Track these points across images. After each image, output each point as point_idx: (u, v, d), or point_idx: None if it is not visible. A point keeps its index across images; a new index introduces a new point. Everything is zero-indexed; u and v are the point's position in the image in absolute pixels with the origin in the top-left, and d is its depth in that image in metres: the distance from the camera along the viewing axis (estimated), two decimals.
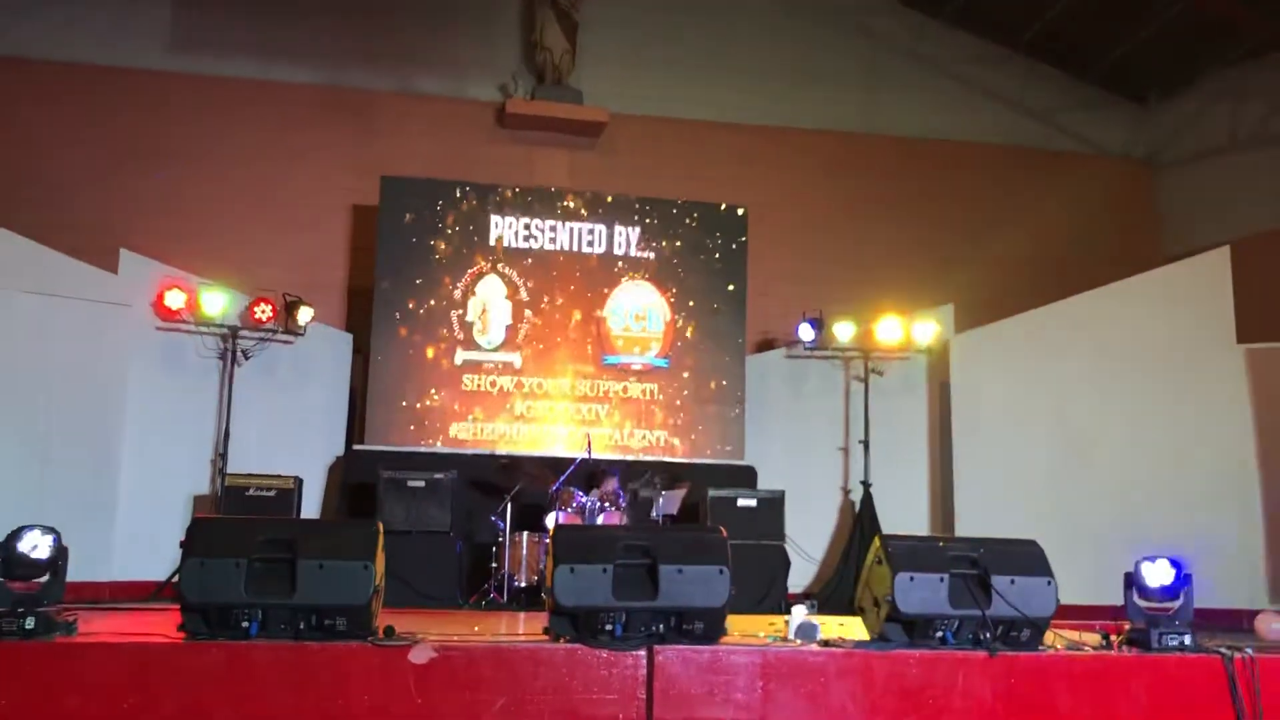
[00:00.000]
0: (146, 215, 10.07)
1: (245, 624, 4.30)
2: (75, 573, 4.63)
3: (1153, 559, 5.07)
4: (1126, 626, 5.06)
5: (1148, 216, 12.03)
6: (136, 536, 8.54)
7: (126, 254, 9.00)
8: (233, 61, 10.69)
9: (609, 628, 4.48)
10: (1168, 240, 11.73)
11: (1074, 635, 5.19)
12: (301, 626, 4.37)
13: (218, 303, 9.05)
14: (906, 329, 9.90)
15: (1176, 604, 5.01)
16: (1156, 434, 9.12)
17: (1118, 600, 5.19)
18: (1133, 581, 5.08)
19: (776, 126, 11.58)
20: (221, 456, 8.99)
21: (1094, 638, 5.16)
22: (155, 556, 8.12)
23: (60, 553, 4.42)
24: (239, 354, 9.23)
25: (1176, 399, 9.13)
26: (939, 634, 4.74)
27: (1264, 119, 10.90)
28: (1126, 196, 11.97)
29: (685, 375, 10.02)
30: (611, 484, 8.52)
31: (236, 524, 4.86)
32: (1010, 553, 4.96)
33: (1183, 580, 5.03)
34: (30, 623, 4.20)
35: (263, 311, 9.14)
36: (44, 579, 4.40)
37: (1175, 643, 4.82)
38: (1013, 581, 4.79)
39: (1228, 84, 11.27)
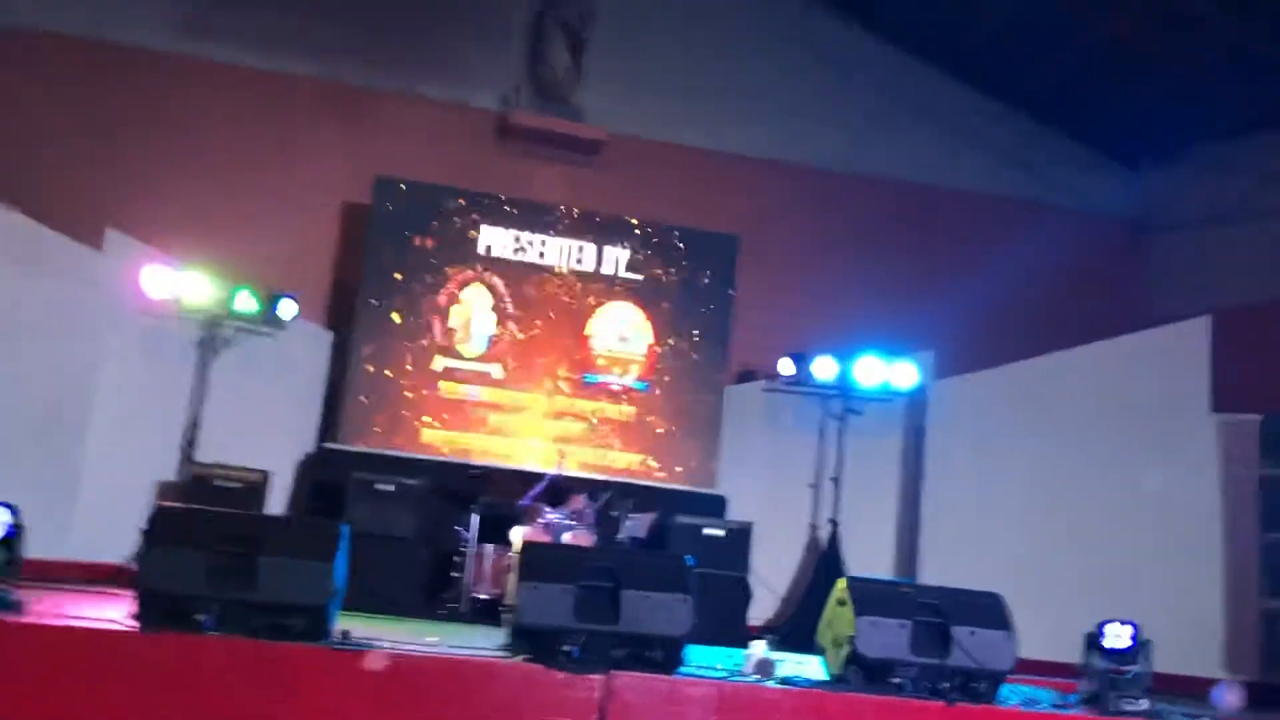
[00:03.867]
0: (136, 196, 9.96)
1: (201, 617, 4.26)
2: (33, 549, 4.58)
3: (1114, 621, 5.08)
4: (1083, 686, 5.07)
5: (1133, 279, 12.09)
6: (98, 517, 8.43)
7: (113, 233, 8.94)
8: (236, 49, 10.63)
9: (568, 649, 4.47)
10: (1151, 304, 11.78)
11: (1030, 691, 5.20)
12: (258, 624, 4.34)
13: (200, 290, 8.99)
14: (886, 371, 9.91)
15: (1135, 667, 5.03)
16: (1125, 496, 9.14)
17: (1076, 658, 5.20)
18: (1093, 642, 5.09)
19: (772, 160, 11.60)
20: (191, 444, 8.91)
21: (1050, 695, 5.17)
22: (115, 538, 8.04)
23: (18, 530, 4.37)
24: (218, 342, 9.17)
25: (1148, 463, 9.16)
26: (897, 680, 4.74)
27: (1252, 194, 11.00)
28: (1113, 257, 12.03)
29: (664, 400, 10.02)
30: (581, 503, 8.50)
31: (201, 515, 4.80)
32: (973, 604, 4.98)
33: (1143, 645, 5.04)
34: None
35: (245, 302, 9.09)
36: None
37: (1131, 707, 4.83)
38: (973, 633, 4.81)
39: (1219, 156, 11.36)
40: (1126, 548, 8.96)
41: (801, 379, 9.99)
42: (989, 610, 4.99)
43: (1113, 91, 11.40)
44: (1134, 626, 5.06)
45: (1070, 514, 9.24)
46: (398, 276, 9.74)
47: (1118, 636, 5.04)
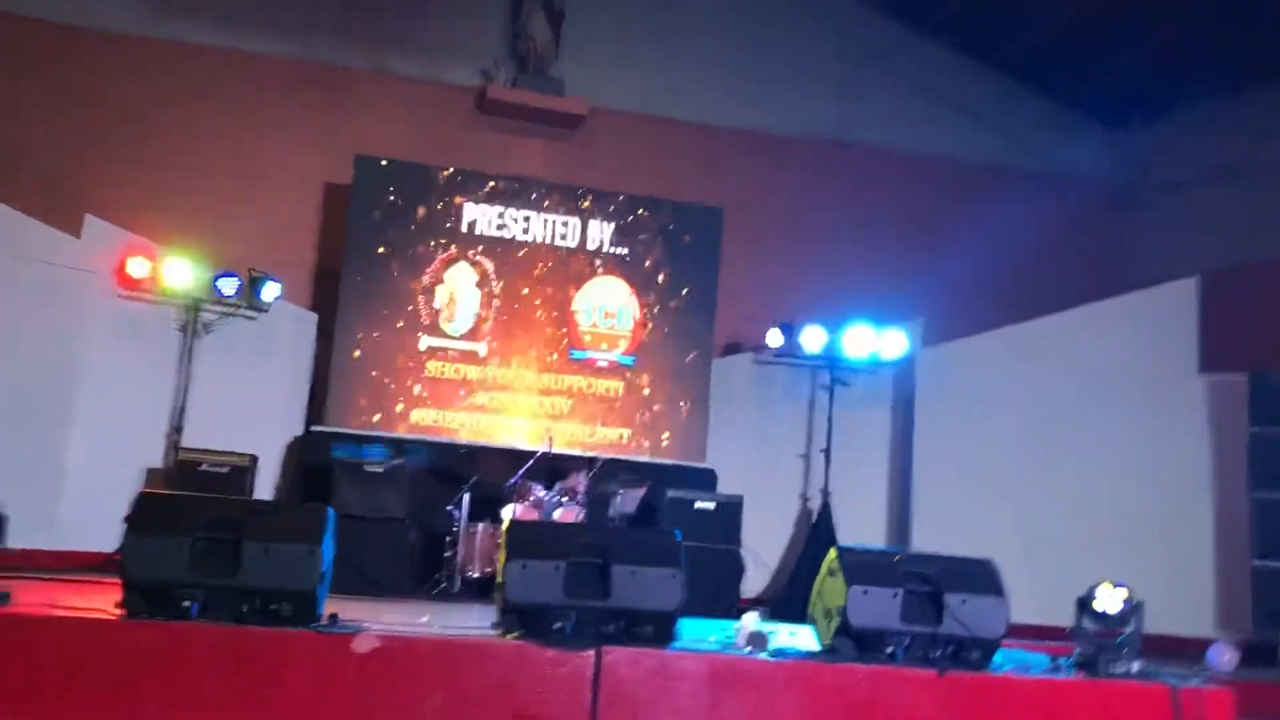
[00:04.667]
0: (114, 181, 9.88)
1: (186, 604, 4.22)
2: (20, 539, 4.55)
3: (1105, 583, 5.07)
4: (1075, 650, 5.06)
5: (1120, 242, 12.08)
6: (86, 506, 8.37)
7: (91, 219, 8.84)
8: (210, 30, 10.50)
9: (559, 626, 4.45)
10: (1138, 267, 11.76)
11: (1023, 656, 5.19)
12: (244, 610, 4.31)
13: (182, 274, 8.90)
14: (875, 340, 9.88)
15: (1126, 630, 5.02)
16: (1115, 458, 9.15)
17: (1069, 621, 5.19)
18: (1084, 605, 5.08)
19: (754, 129, 11.53)
20: (177, 430, 8.86)
21: (1042, 660, 5.17)
22: (104, 527, 7.97)
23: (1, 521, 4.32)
24: (200, 327, 9.10)
25: (1137, 424, 9.17)
26: (889, 649, 4.73)
27: (1242, 152, 10.95)
28: (1099, 221, 12.01)
29: (651, 374, 9.98)
30: (570, 480, 8.48)
31: (183, 501, 4.76)
32: (964, 571, 4.97)
33: (1133, 606, 5.04)
34: None
35: (227, 285, 9.01)
36: None
37: (1123, 669, 4.83)
38: (965, 601, 4.79)
39: (1208, 115, 11.31)
40: (1117, 509, 8.98)
41: (790, 350, 9.95)
42: (981, 577, 4.98)
43: (1099, 51, 11.31)
44: (1125, 589, 5.05)
45: (1060, 477, 9.25)
46: (381, 254, 9.65)
47: (1109, 599, 5.03)
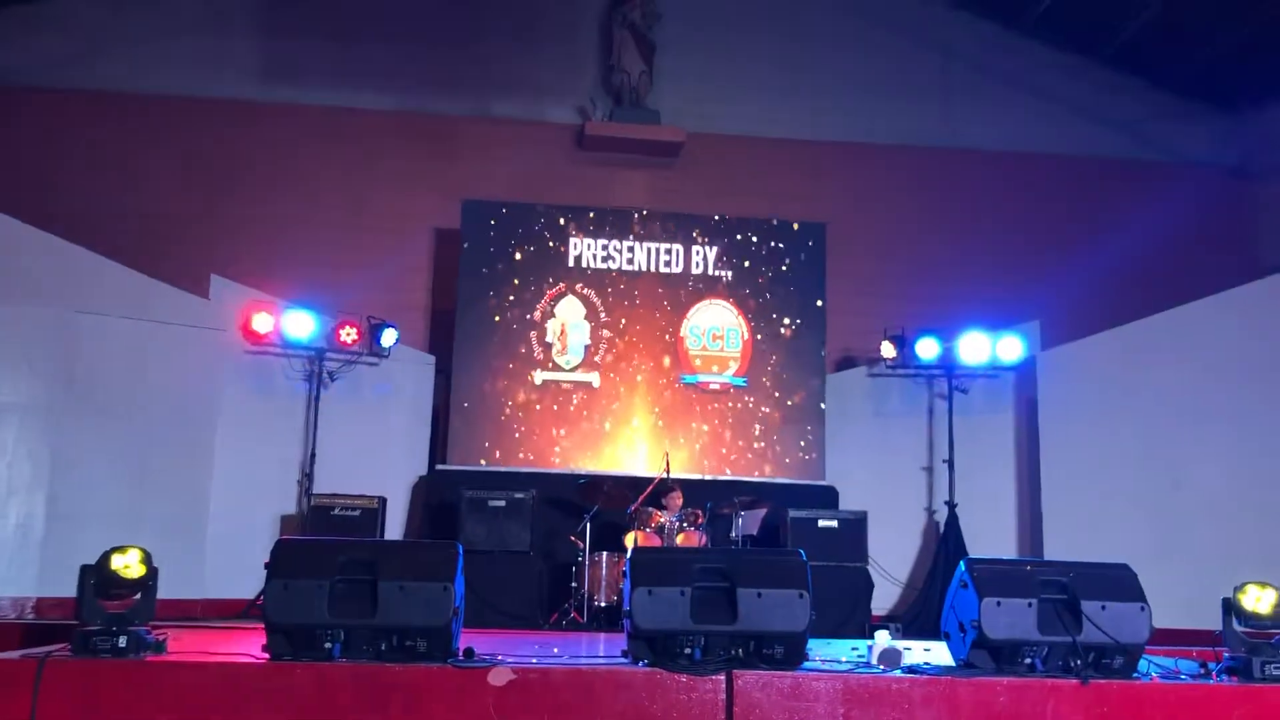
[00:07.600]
0: (236, 241, 10.34)
1: (328, 645, 4.36)
2: (169, 590, 4.74)
3: (1252, 583, 4.88)
4: (1225, 654, 4.87)
5: (1241, 227, 11.62)
6: (227, 555, 8.70)
7: (217, 279, 9.24)
8: (318, 90, 10.93)
9: (688, 651, 4.45)
10: (1263, 251, 11.31)
11: (1169, 663, 5.01)
12: (383, 647, 4.43)
13: (304, 326, 9.22)
14: (991, 346, 9.68)
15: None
16: (1253, 451, 8.77)
17: (1215, 625, 5.00)
18: (1232, 607, 4.89)
19: (854, 142, 11.46)
20: (308, 477, 9.15)
21: (1191, 665, 4.98)
22: (245, 574, 8.25)
23: (151, 572, 4.53)
24: (325, 376, 9.40)
25: (1273, 415, 8.79)
26: (1027, 661, 4.62)
27: None
28: (1218, 207, 11.56)
29: (764, 394, 9.95)
30: (680, 500, 8.51)
31: (319, 546, 4.91)
32: (1101, 577, 4.82)
33: None
34: (123, 641, 4.32)
35: (348, 334, 9.30)
36: (136, 598, 4.51)
37: (1279, 672, 4.62)
38: (1104, 607, 4.65)
39: None
40: (1260, 504, 8.60)
41: (904, 361, 9.83)
42: (1119, 582, 4.83)
43: (1201, 32, 10.93)
44: (1275, 588, 4.84)
45: (1198, 475, 8.90)
46: (492, 295, 9.86)
47: (1258, 599, 4.83)
